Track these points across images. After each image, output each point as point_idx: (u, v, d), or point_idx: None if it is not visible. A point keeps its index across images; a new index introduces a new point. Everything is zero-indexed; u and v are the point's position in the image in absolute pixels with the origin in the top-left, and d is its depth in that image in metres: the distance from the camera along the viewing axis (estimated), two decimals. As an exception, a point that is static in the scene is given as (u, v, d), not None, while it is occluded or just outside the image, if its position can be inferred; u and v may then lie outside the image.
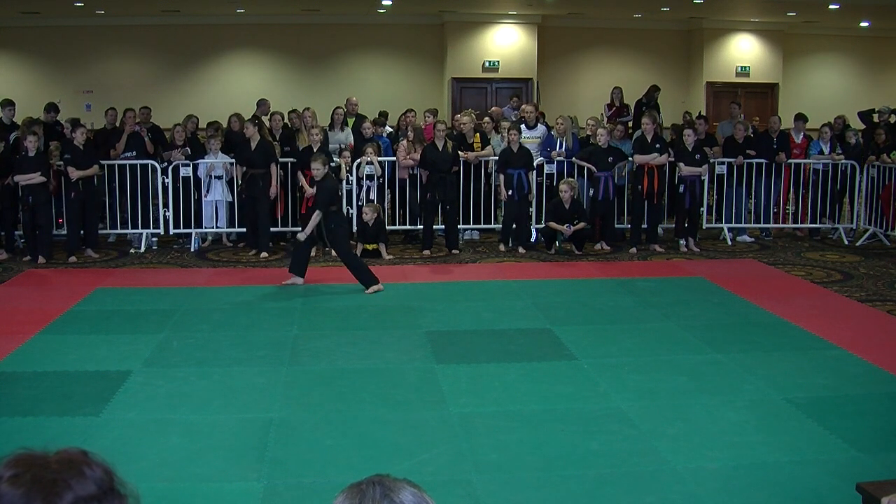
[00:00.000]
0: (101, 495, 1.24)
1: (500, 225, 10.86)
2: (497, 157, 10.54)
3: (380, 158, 10.48)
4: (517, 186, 10.29)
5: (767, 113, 15.38)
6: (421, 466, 4.33)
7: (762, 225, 11.36)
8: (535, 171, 10.69)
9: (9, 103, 10.60)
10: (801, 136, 11.62)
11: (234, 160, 10.39)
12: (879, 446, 4.65)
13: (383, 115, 12.95)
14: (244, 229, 10.48)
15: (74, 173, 9.62)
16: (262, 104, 12.51)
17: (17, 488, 1.20)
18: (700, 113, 14.95)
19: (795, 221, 11.64)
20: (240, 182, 10.12)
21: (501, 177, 10.38)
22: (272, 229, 10.43)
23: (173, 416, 5.06)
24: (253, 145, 9.94)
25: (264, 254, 9.94)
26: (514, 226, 10.52)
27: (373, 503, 1.32)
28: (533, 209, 10.87)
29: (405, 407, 5.26)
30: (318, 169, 8.20)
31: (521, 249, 10.35)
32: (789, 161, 11.20)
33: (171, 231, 10.63)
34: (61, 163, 9.84)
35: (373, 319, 7.26)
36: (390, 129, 12.23)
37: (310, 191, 9.97)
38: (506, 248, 10.43)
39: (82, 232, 9.99)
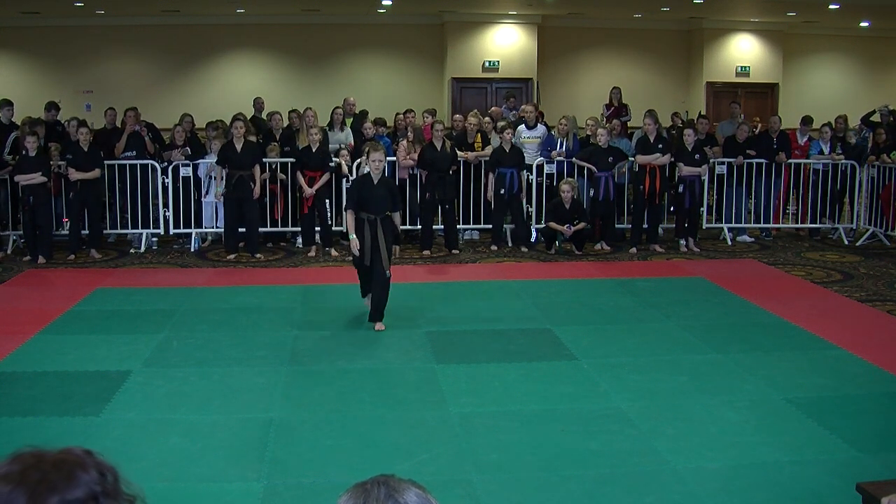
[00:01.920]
0: (89, 499, 1.24)
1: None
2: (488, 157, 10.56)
3: (380, 158, 10.46)
4: (509, 185, 10.30)
5: (767, 113, 15.37)
6: (421, 466, 4.33)
7: (762, 225, 11.36)
8: (526, 171, 10.70)
9: (7, 103, 10.59)
10: (805, 139, 11.62)
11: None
12: (879, 446, 4.65)
13: (363, 114, 12.65)
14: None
15: (74, 174, 9.60)
16: (256, 102, 12.54)
17: (6, 485, 1.22)
18: (700, 113, 14.95)
19: (795, 221, 11.64)
20: (224, 184, 9.82)
21: (491, 176, 10.39)
22: (272, 230, 10.43)
23: (173, 416, 5.06)
24: (238, 146, 9.78)
25: (258, 255, 9.90)
26: (514, 225, 10.54)
27: (377, 503, 1.32)
28: (533, 209, 10.88)
29: (405, 407, 5.25)
30: (380, 160, 6.92)
31: (523, 248, 10.36)
32: (789, 161, 11.20)
33: (171, 231, 10.62)
34: (62, 163, 9.82)
35: (373, 319, 7.26)
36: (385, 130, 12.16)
37: (309, 191, 9.96)
38: (497, 248, 10.41)
39: (86, 232, 9.98)
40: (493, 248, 10.45)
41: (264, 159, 10.20)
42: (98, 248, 9.98)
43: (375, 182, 6.85)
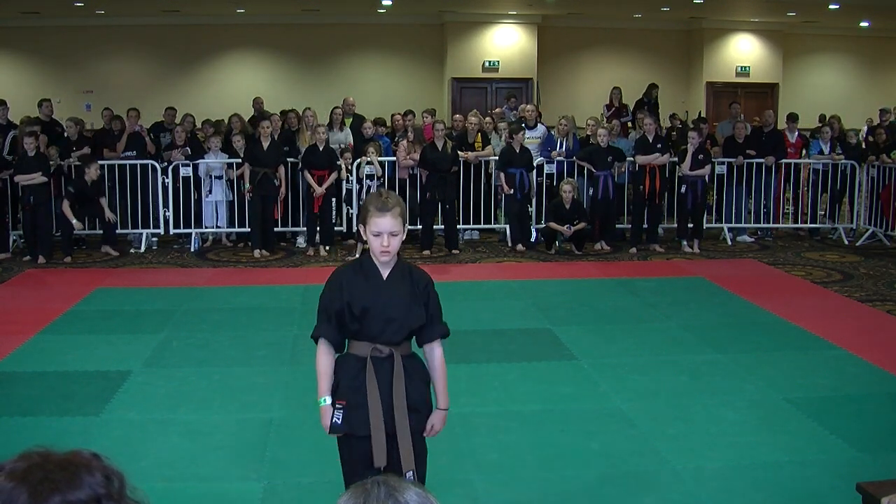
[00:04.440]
0: (92, 501, 1.24)
1: (501, 225, 10.92)
2: (497, 157, 10.55)
3: (380, 158, 10.47)
4: (519, 185, 10.30)
5: (768, 113, 15.38)
6: (421, 466, 4.33)
7: (762, 225, 11.36)
8: (535, 171, 10.70)
9: (0, 103, 10.60)
10: (796, 136, 11.61)
11: (232, 159, 10.35)
12: (879, 446, 4.65)
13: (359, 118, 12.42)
14: (247, 229, 10.32)
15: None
16: (255, 102, 12.53)
17: (9, 482, 1.22)
18: (700, 114, 14.96)
19: (795, 221, 11.64)
20: (247, 181, 9.99)
21: (502, 175, 10.39)
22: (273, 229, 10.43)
23: (173, 416, 5.06)
24: (265, 144, 9.97)
25: (265, 251, 9.95)
26: (512, 224, 10.55)
27: (377, 503, 1.32)
28: (533, 209, 10.87)
29: (405, 407, 5.25)
30: (392, 232, 3.11)
31: (519, 247, 10.35)
32: (788, 161, 11.19)
33: (171, 231, 10.62)
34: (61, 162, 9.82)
35: (373, 319, 7.25)
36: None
37: (319, 190, 9.95)
38: (522, 248, 10.32)
39: (97, 232, 10.09)
40: (520, 247, 10.31)
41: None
42: (114, 245, 10.14)
43: (385, 274, 3.20)
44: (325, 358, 3.19)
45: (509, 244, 10.49)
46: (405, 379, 3.16)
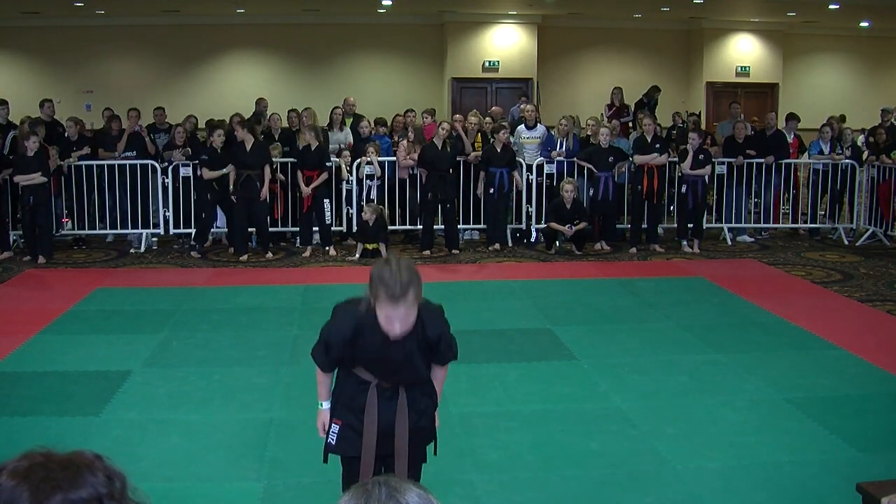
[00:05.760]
0: (93, 501, 1.24)
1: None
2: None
3: (380, 158, 10.47)
4: (498, 185, 10.31)
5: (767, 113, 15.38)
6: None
7: (762, 225, 11.36)
8: (526, 171, 10.69)
9: (1, 103, 10.59)
10: (793, 136, 11.61)
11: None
12: (879, 446, 4.65)
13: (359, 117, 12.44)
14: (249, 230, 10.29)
15: (208, 174, 9.88)
16: (259, 103, 12.53)
17: (11, 480, 1.23)
18: (692, 112, 14.94)
19: (794, 221, 11.64)
20: (232, 184, 9.85)
21: (482, 174, 10.41)
22: (272, 230, 10.41)
23: (173, 416, 5.06)
24: (248, 147, 9.82)
25: (269, 254, 9.92)
26: (488, 224, 10.56)
27: (378, 503, 1.32)
28: (533, 209, 10.88)
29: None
30: (401, 322, 2.98)
31: (496, 245, 10.35)
32: (788, 161, 11.20)
33: (171, 231, 10.62)
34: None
35: (373, 319, 7.24)
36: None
37: (306, 190, 9.94)
38: (500, 247, 10.40)
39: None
40: (496, 247, 10.41)
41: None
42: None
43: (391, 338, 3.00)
44: (324, 379, 3.32)
45: (496, 245, 10.47)
46: (409, 406, 3.17)
